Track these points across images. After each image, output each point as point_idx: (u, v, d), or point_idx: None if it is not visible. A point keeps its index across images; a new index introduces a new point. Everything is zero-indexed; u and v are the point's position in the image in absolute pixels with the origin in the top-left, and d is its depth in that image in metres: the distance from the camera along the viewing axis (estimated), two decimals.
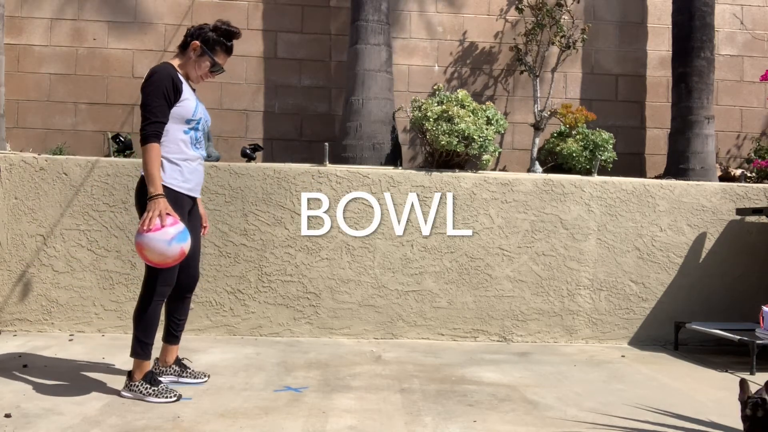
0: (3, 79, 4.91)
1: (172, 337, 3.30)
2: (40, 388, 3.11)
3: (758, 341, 3.94)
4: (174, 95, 2.95)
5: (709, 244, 4.79)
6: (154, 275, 2.98)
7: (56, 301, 4.43)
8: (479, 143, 4.59)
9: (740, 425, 2.43)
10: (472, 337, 4.63)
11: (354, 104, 5.04)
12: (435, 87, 5.12)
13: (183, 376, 3.29)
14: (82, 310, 4.44)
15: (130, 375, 3.04)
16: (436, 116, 4.63)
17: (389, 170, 4.62)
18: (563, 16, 5.49)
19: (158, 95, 2.90)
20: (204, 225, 3.38)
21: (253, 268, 4.49)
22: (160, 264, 2.83)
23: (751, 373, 3.90)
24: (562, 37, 5.43)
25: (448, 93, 4.94)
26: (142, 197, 2.93)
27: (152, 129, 2.90)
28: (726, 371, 3.98)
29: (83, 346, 4.04)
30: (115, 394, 3.05)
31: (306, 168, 4.56)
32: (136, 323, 3.02)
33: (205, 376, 3.34)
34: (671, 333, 4.69)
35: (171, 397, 2.97)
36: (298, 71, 5.70)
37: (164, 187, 2.94)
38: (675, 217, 4.76)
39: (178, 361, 3.32)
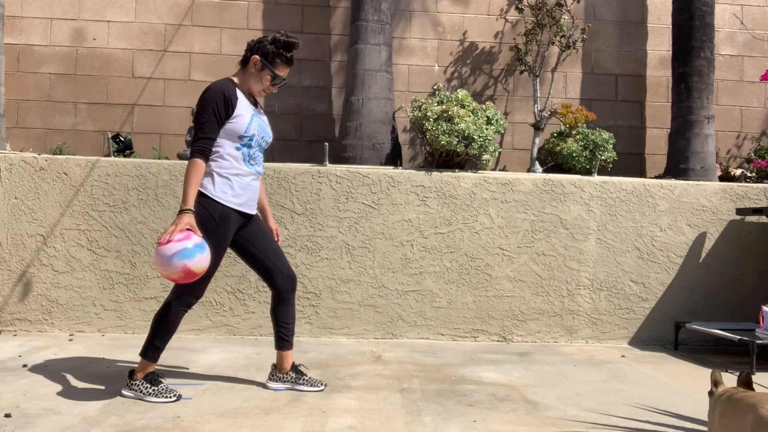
0: (3, 79, 4.91)
1: (284, 342, 3.24)
2: (40, 388, 3.11)
3: (758, 341, 3.94)
4: (225, 111, 2.93)
5: (709, 244, 4.79)
6: (183, 284, 2.95)
7: (56, 301, 4.43)
8: (479, 143, 4.59)
9: None
10: (472, 337, 4.63)
11: (354, 104, 5.04)
12: (435, 87, 5.12)
13: (299, 383, 3.24)
14: (82, 310, 4.44)
15: (131, 374, 3.05)
16: (436, 116, 4.63)
17: (389, 170, 4.62)
18: (563, 16, 5.49)
19: (208, 111, 2.90)
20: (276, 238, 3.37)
21: None
22: (170, 278, 2.78)
23: (751, 373, 3.90)
24: (562, 37, 5.43)
25: (448, 93, 4.94)
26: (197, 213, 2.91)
27: (198, 145, 2.90)
28: (726, 371, 3.98)
29: (83, 346, 4.04)
30: (115, 394, 3.05)
31: (306, 168, 4.56)
32: (155, 327, 3.00)
33: (322, 384, 3.27)
34: (671, 333, 4.69)
35: (170, 398, 2.97)
36: (298, 71, 5.70)
37: (212, 200, 2.94)
38: (675, 217, 4.76)
39: (295, 368, 3.28)
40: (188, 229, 2.79)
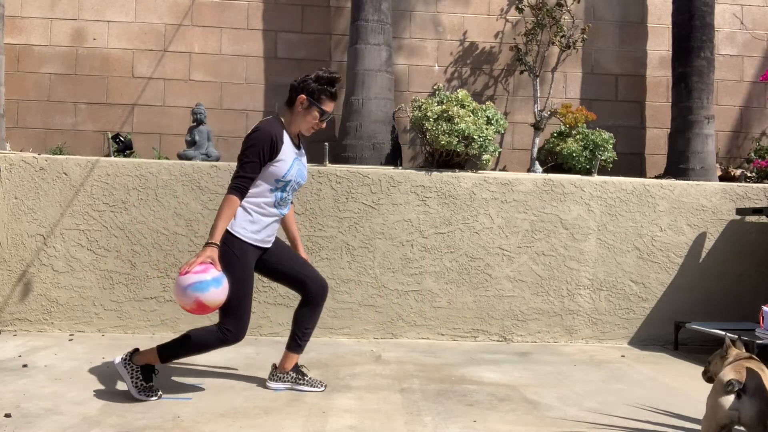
0: (3, 79, 4.91)
1: (297, 346, 3.26)
2: (40, 388, 3.11)
3: (758, 341, 3.94)
4: (270, 155, 2.96)
5: (709, 244, 4.79)
6: (227, 321, 2.97)
7: (56, 301, 4.43)
8: (479, 143, 4.59)
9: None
10: (472, 337, 4.63)
11: (354, 104, 5.04)
12: (435, 87, 5.12)
13: (300, 383, 3.25)
14: (82, 310, 4.44)
15: (134, 353, 3.04)
16: (436, 116, 4.63)
17: (389, 170, 4.62)
18: (563, 16, 5.49)
19: (254, 153, 2.94)
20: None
21: None
22: (184, 308, 2.82)
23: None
24: (562, 37, 5.43)
25: (448, 93, 4.94)
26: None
27: (237, 182, 2.93)
28: None
29: (83, 346, 4.04)
30: (116, 394, 3.05)
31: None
32: (187, 340, 2.97)
33: (322, 385, 3.28)
34: (671, 333, 4.69)
35: (151, 397, 2.98)
36: (298, 71, 5.69)
37: (232, 235, 2.96)
38: (675, 217, 4.76)
39: (297, 368, 3.29)
40: (209, 263, 2.81)
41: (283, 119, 3.11)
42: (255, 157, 2.94)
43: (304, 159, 3.21)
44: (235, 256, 2.96)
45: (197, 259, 2.80)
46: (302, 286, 3.22)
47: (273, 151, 2.97)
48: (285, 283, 3.27)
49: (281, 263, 3.20)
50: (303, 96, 3.06)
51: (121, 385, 3.17)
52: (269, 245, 3.16)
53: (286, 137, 3.05)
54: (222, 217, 2.89)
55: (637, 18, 5.94)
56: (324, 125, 3.18)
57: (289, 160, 3.03)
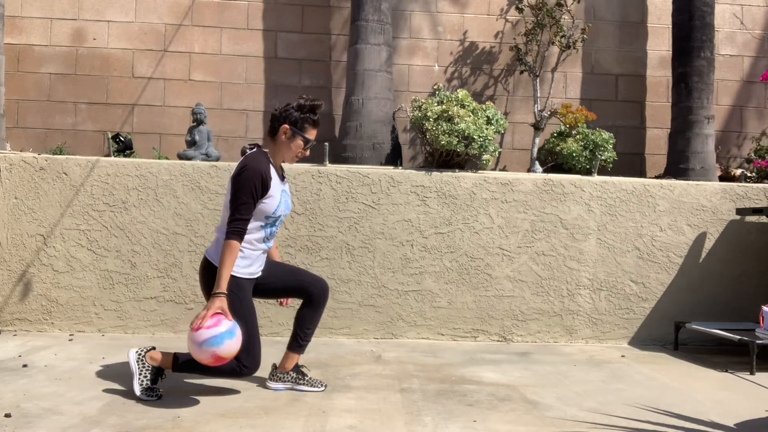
0: (3, 79, 4.91)
1: (298, 346, 3.25)
2: (40, 388, 3.11)
3: (758, 341, 3.94)
4: (261, 192, 2.96)
5: (709, 244, 4.79)
6: (242, 357, 2.96)
7: (56, 301, 4.43)
8: (479, 143, 4.59)
9: (740, 424, 2.45)
10: (472, 337, 4.63)
11: (354, 104, 5.04)
12: (435, 87, 5.12)
13: (300, 383, 3.25)
14: (82, 310, 4.44)
15: (147, 351, 3.05)
16: (436, 116, 4.63)
17: (389, 170, 4.62)
18: (563, 16, 5.49)
19: (247, 193, 2.92)
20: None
21: None
22: (201, 362, 2.84)
23: (751, 373, 3.90)
24: (562, 37, 5.43)
25: (448, 93, 4.94)
26: (207, 282, 2.98)
27: (235, 226, 2.91)
28: (726, 371, 3.98)
29: (83, 346, 4.04)
30: (116, 394, 3.05)
31: (306, 168, 4.57)
32: (203, 369, 2.97)
33: (322, 385, 3.27)
34: (671, 333, 4.70)
35: (151, 397, 2.99)
36: (298, 71, 5.70)
37: None
38: (675, 217, 4.76)
39: (297, 368, 3.29)
40: (220, 313, 2.82)
41: (266, 150, 3.10)
42: (249, 198, 2.92)
43: (288, 187, 3.22)
44: (234, 294, 2.96)
45: (207, 312, 2.80)
46: (302, 291, 3.23)
47: (264, 188, 2.96)
48: (285, 295, 3.30)
49: (272, 281, 3.21)
50: (286, 126, 3.05)
51: (121, 385, 3.18)
52: (260, 273, 3.17)
53: (272, 171, 3.04)
54: (226, 265, 2.88)
55: (637, 18, 5.94)
56: (308, 153, 3.17)
57: (277, 195, 3.04)
